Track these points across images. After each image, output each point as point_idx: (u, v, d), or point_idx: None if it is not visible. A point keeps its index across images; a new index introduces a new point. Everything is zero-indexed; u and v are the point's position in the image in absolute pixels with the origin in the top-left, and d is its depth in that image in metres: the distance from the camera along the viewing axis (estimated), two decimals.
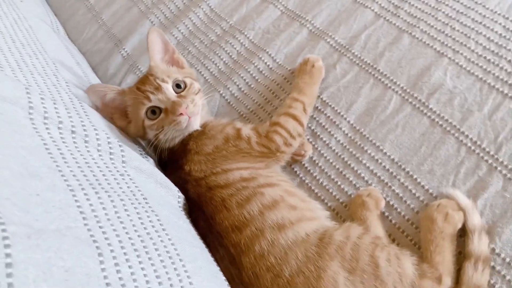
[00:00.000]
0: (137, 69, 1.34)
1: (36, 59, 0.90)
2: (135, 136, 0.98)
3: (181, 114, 0.88)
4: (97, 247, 0.53)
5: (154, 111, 0.92)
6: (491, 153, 0.89)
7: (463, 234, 0.82)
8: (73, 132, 0.72)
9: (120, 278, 0.53)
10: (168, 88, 0.93)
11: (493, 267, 0.78)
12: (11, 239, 0.43)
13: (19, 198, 0.49)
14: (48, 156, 0.61)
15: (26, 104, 0.66)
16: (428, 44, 1.07)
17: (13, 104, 0.64)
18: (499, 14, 1.06)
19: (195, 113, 0.92)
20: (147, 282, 0.57)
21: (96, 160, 0.71)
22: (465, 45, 1.04)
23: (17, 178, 0.51)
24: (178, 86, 0.95)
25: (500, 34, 1.03)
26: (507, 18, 1.04)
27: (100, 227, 0.57)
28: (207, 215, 0.84)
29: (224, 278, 0.77)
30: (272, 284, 0.74)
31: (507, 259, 0.78)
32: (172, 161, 0.95)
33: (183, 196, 0.88)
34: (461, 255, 0.80)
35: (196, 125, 0.93)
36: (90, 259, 0.51)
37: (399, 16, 1.14)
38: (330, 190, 0.96)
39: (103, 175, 0.68)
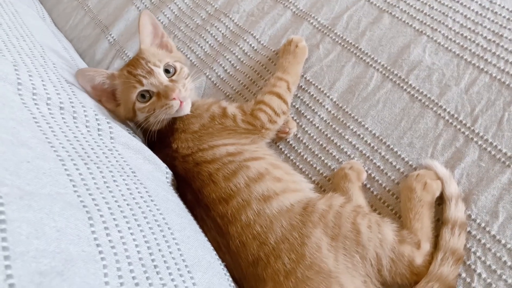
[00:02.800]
0: (124, 54, 1.35)
1: (23, 41, 0.91)
2: (124, 118, 0.99)
3: (173, 98, 0.90)
4: (87, 212, 0.56)
5: (144, 95, 0.93)
6: (468, 125, 0.92)
7: (441, 202, 0.85)
8: (61, 108, 0.73)
9: (110, 241, 0.55)
10: (160, 73, 0.94)
11: (469, 232, 0.82)
12: (4, 199, 0.46)
13: (10, 163, 0.51)
14: (38, 128, 0.63)
15: (14, 80, 0.68)
16: (407, 23, 1.10)
17: (1, 79, 0.65)
18: None
19: (187, 98, 0.93)
20: (137, 246, 0.59)
21: (85, 135, 0.73)
22: (443, 23, 1.07)
23: (7, 145, 0.53)
24: (167, 70, 0.96)
25: (477, 12, 1.06)
26: None
27: (90, 194, 0.59)
28: (195, 189, 0.86)
29: (211, 247, 0.79)
30: (259, 251, 0.77)
31: (482, 224, 0.82)
32: (159, 141, 0.96)
33: (171, 172, 0.90)
34: (439, 222, 0.84)
35: (187, 109, 0.94)
36: (80, 222, 0.53)
37: None
38: (314, 165, 0.99)
39: (92, 148, 0.70)
